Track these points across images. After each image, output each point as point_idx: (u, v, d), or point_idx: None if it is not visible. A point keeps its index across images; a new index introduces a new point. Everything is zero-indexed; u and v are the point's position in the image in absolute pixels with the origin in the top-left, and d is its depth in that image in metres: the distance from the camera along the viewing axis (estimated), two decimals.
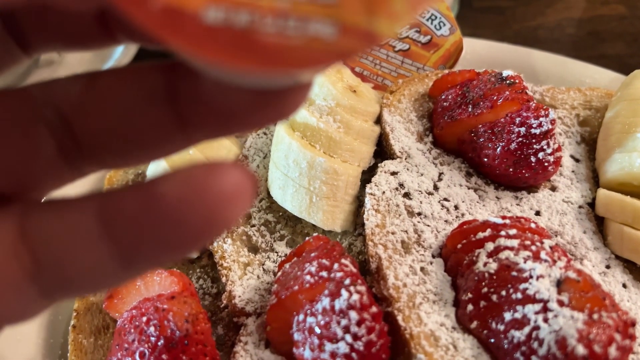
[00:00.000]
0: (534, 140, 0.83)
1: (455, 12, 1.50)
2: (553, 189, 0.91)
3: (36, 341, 0.84)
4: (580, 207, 0.89)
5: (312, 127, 0.87)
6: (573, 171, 0.94)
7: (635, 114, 0.91)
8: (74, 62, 1.37)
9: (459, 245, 0.76)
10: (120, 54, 1.31)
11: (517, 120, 0.83)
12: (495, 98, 0.85)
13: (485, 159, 0.88)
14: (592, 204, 0.90)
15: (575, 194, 0.90)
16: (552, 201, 0.89)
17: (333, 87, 0.91)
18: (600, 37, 1.48)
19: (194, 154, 0.90)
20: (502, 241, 0.72)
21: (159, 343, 0.68)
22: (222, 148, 0.94)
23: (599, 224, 0.88)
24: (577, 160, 0.96)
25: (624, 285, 0.81)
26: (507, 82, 0.86)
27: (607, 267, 0.83)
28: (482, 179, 0.91)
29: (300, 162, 0.84)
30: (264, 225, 0.89)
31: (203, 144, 0.89)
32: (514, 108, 0.84)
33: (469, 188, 0.89)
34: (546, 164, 0.85)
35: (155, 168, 0.90)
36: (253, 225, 0.88)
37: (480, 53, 1.21)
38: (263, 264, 0.84)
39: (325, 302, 0.66)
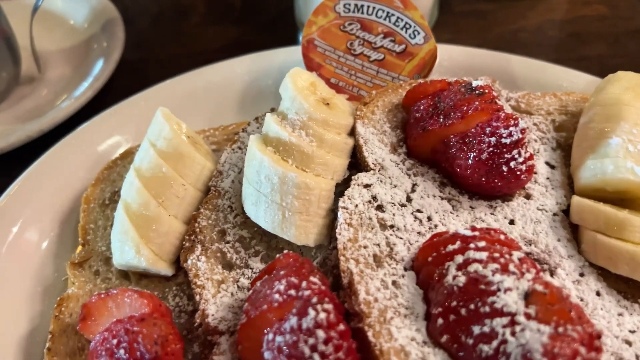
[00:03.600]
0: (504, 150, 0.83)
1: (436, 18, 1.50)
2: (528, 197, 0.91)
3: None
4: (555, 214, 0.89)
5: (284, 142, 0.87)
6: (548, 178, 0.94)
7: (608, 119, 0.91)
8: (54, 79, 1.37)
9: (430, 258, 0.76)
10: (98, 71, 1.31)
11: (488, 130, 0.83)
12: (465, 108, 0.85)
13: (458, 169, 0.88)
14: (567, 211, 0.89)
15: (550, 202, 0.90)
16: (527, 209, 0.88)
17: (305, 101, 0.91)
18: (581, 39, 1.48)
19: (167, 171, 0.90)
20: (471, 254, 0.72)
21: None
22: (196, 164, 0.94)
23: (574, 231, 0.88)
24: (552, 167, 0.96)
25: (598, 293, 0.81)
26: (477, 92, 0.85)
27: (581, 275, 0.83)
28: (457, 189, 0.91)
29: (272, 177, 0.84)
30: (239, 242, 0.89)
31: (176, 158, 0.89)
32: (484, 118, 0.84)
33: (442, 198, 0.89)
34: (518, 172, 0.85)
35: (129, 186, 0.90)
36: (228, 242, 0.88)
37: (458, 60, 1.21)
38: (237, 281, 0.84)
39: (292, 321, 0.66)
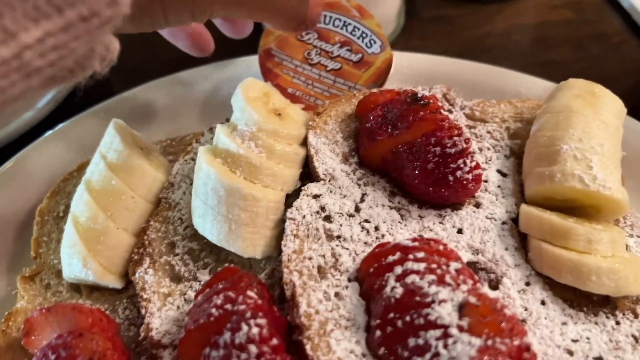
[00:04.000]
0: (449, 160, 0.83)
1: (402, 24, 1.50)
2: (477, 205, 0.91)
3: None
4: (503, 223, 0.89)
5: (232, 154, 0.87)
6: (499, 186, 0.94)
7: (557, 127, 0.91)
8: None
9: (372, 269, 0.76)
10: None
11: (432, 140, 0.84)
12: (411, 119, 0.85)
13: (406, 179, 0.88)
14: (517, 220, 0.90)
15: (500, 210, 0.90)
16: (475, 218, 0.89)
17: (255, 112, 0.91)
18: (546, 44, 1.48)
19: (116, 183, 0.90)
20: (410, 264, 0.72)
21: None
22: (147, 176, 0.93)
23: (523, 240, 0.88)
24: (504, 175, 0.96)
25: (543, 302, 0.81)
26: (422, 102, 0.86)
27: (527, 284, 0.83)
28: (407, 198, 0.91)
29: (218, 190, 0.84)
30: (188, 254, 0.89)
31: (126, 171, 0.89)
32: (429, 128, 0.84)
33: (391, 208, 0.89)
34: (465, 182, 0.85)
35: (78, 199, 0.90)
36: (177, 255, 0.88)
37: (418, 67, 1.21)
38: (184, 294, 0.84)
39: (226, 335, 0.66)
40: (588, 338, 0.77)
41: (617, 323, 0.80)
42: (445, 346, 0.64)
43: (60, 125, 1.14)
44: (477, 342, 0.62)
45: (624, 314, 0.81)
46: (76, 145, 1.12)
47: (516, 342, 0.62)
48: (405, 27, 1.52)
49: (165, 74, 1.25)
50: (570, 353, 0.75)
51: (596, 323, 0.80)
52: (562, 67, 1.36)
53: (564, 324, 0.79)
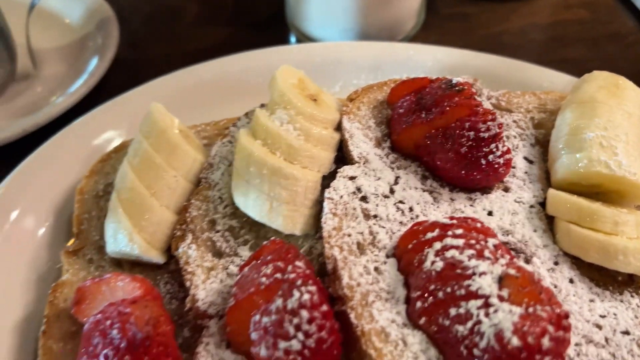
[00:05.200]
0: (483, 144, 0.87)
1: (422, 19, 1.54)
2: (506, 189, 0.95)
3: (7, 347, 0.87)
4: (531, 206, 0.93)
5: (272, 135, 0.91)
6: (526, 172, 0.98)
7: (582, 116, 0.95)
8: (49, 76, 1.40)
9: (410, 246, 0.80)
10: (93, 68, 1.34)
11: (467, 125, 0.87)
12: (445, 104, 0.89)
13: (439, 162, 0.92)
14: (543, 204, 0.93)
15: (527, 195, 0.94)
16: (504, 202, 0.92)
17: (293, 97, 0.95)
18: (562, 42, 1.52)
19: (159, 162, 0.93)
20: (449, 240, 0.76)
21: (122, 345, 0.71)
22: (188, 157, 0.97)
23: (550, 223, 0.92)
24: (530, 162, 1.00)
25: (571, 281, 0.85)
26: (457, 88, 0.89)
27: (556, 263, 0.86)
28: (438, 182, 0.95)
29: (261, 169, 0.87)
30: (228, 231, 0.92)
31: (168, 151, 0.92)
32: (464, 113, 0.88)
33: (424, 191, 0.93)
34: (496, 165, 0.89)
35: (122, 178, 0.93)
36: (217, 231, 0.91)
37: (442, 60, 1.25)
38: (227, 268, 0.87)
39: (278, 302, 0.70)
40: (615, 314, 0.81)
41: None
42: (487, 314, 0.67)
43: (96, 108, 1.17)
44: (518, 310, 0.66)
45: None
46: (112, 127, 1.15)
47: (556, 310, 0.66)
48: (425, 23, 1.56)
49: (189, 63, 1.28)
50: (599, 327, 0.79)
51: (621, 301, 0.84)
52: (576, 65, 1.40)
53: (592, 301, 0.83)
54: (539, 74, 1.21)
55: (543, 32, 1.56)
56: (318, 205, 0.92)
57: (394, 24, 1.46)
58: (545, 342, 0.64)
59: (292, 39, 1.55)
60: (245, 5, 1.69)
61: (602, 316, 0.81)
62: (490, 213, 0.91)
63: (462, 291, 0.70)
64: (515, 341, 0.63)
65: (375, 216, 0.87)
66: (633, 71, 1.44)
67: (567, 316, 0.67)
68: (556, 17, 1.60)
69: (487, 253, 0.73)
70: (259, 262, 0.77)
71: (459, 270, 0.72)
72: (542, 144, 1.03)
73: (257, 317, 0.72)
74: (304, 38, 1.49)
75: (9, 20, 1.33)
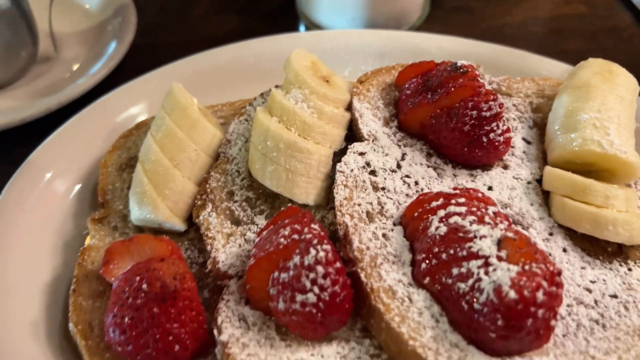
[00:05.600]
0: (484, 122, 0.94)
1: (427, 12, 1.61)
2: (505, 167, 1.01)
3: (39, 305, 0.93)
4: (528, 183, 0.99)
5: (288, 113, 0.97)
6: (524, 152, 1.05)
7: (578, 99, 1.02)
8: (70, 58, 1.46)
9: (416, 214, 0.86)
10: (112, 52, 1.40)
11: (470, 104, 0.94)
12: (450, 85, 0.96)
13: (443, 140, 0.98)
14: (540, 181, 1.00)
15: (525, 172, 1.01)
16: (504, 178, 0.99)
17: (307, 77, 1.01)
18: (561, 35, 1.59)
19: (181, 137, 0.99)
20: (452, 208, 0.82)
21: (151, 298, 0.77)
22: (207, 132, 1.03)
23: (545, 198, 0.98)
24: (528, 143, 1.07)
25: (564, 250, 0.91)
26: (461, 70, 0.96)
27: (550, 234, 0.93)
28: (442, 159, 1.01)
29: (278, 143, 0.94)
30: (246, 202, 0.98)
31: (189, 126, 0.99)
32: (467, 94, 0.94)
33: (428, 167, 0.99)
34: (497, 143, 0.95)
35: (147, 150, 0.99)
36: (235, 201, 0.98)
37: (446, 48, 1.31)
38: (244, 235, 0.93)
39: (296, 259, 0.76)
40: (604, 280, 0.88)
41: (629, 269, 0.90)
42: (487, 273, 0.74)
43: (117, 88, 1.23)
44: (515, 268, 0.72)
45: (635, 262, 0.91)
46: (132, 106, 1.21)
47: (550, 268, 0.73)
48: (430, 15, 1.62)
49: (201, 50, 1.34)
50: (589, 291, 0.86)
51: (611, 269, 0.90)
52: (575, 57, 1.45)
53: (583, 268, 0.89)
54: (538, 63, 1.27)
55: (543, 25, 1.63)
56: (329, 179, 0.99)
57: (399, 15, 1.52)
58: (540, 295, 0.70)
59: (302, 27, 1.61)
60: None
61: (592, 282, 0.87)
62: (490, 188, 0.98)
63: (464, 252, 0.77)
64: (512, 294, 0.70)
65: (383, 188, 0.94)
66: (629, 63, 1.49)
67: (559, 273, 0.73)
68: (556, 11, 1.67)
69: (487, 219, 0.80)
70: (277, 225, 0.84)
71: (461, 234, 0.79)
72: (540, 126, 1.10)
73: (276, 274, 0.78)
74: (313, 26, 1.55)
75: (32, 6, 1.39)
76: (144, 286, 0.78)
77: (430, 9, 1.62)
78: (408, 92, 1.03)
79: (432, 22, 1.62)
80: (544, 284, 0.71)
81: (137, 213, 0.97)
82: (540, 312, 0.70)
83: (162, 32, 1.62)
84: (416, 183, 0.96)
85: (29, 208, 1.04)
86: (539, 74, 1.25)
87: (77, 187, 1.10)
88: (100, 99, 1.20)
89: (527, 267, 0.72)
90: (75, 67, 1.43)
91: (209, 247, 0.91)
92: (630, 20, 1.62)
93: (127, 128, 1.16)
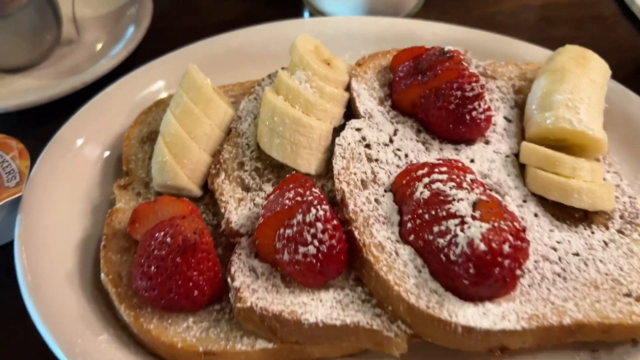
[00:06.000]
0: (467, 102, 1.05)
1: (424, 0, 1.71)
2: (487, 142, 1.13)
3: (72, 260, 1.06)
4: (507, 156, 1.11)
5: (293, 92, 1.09)
6: (505, 129, 1.16)
7: (553, 82, 1.13)
8: (91, 41, 1.58)
9: (404, 181, 0.98)
10: (130, 35, 1.52)
11: (455, 85, 1.05)
12: (438, 68, 1.07)
13: (431, 118, 1.10)
14: (517, 155, 1.12)
15: (504, 147, 1.13)
16: (485, 152, 1.11)
17: (311, 60, 1.12)
18: (550, 22, 1.69)
19: (197, 113, 1.11)
20: (435, 176, 0.94)
21: (174, 249, 0.90)
22: (221, 109, 1.15)
23: (522, 170, 1.10)
24: (509, 121, 1.18)
25: (536, 215, 1.03)
26: (447, 55, 1.07)
27: (524, 201, 1.05)
28: (430, 135, 1.13)
29: (284, 119, 1.06)
30: (254, 171, 1.11)
31: (205, 104, 1.10)
32: (452, 76, 1.06)
33: (418, 141, 1.11)
34: (478, 120, 1.07)
35: (167, 124, 1.12)
36: (245, 171, 1.10)
37: (440, 34, 1.42)
38: (253, 200, 1.06)
39: (299, 217, 0.88)
40: (569, 241, 1.00)
41: (592, 232, 1.02)
42: (462, 230, 0.86)
43: (136, 69, 1.34)
44: (486, 225, 0.85)
45: (597, 227, 1.03)
46: (151, 85, 1.33)
47: (516, 225, 0.85)
48: (426, 2, 1.72)
49: (214, 34, 1.45)
50: (555, 249, 0.98)
51: (576, 232, 1.02)
52: (562, 43, 1.55)
53: (552, 230, 1.01)
54: (524, 49, 1.38)
55: (533, 13, 1.73)
56: (329, 152, 1.10)
57: (398, 3, 1.63)
58: (506, 248, 0.82)
59: (306, 13, 1.72)
60: None
61: (559, 242, 0.99)
62: (472, 160, 1.09)
63: (444, 213, 0.89)
64: (482, 246, 0.82)
65: (376, 160, 1.06)
66: (612, 48, 1.61)
67: (524, 230, 0.85)
68: (546, 0, 1.77)
69: (465, 185, 0.92)
70: (282, 190, 0.96)
71: (441, 198, 0.91)
72: (520, 106, 1.21)
73: (281, 230, 0.91)
74: (316, 13, 1.66)
75: None
76: (168, 240, 0.91)
77: None
78: (401, 74, 1.14)
79: (428, 9, 1.72)
80: (510, 238, 0.83)
81: (159, 180, 1.09)
82: (507, 262, 0.83)
83: (176, 17, 1.74)
84: (406, 155, 1.08)
85: (61, 176, 1.16)
86: (523, 59, 1.36)
87: (104, 157, 1.22)
88: (122, 79, 1.32)
89: (496, 225, 0.84)
90: (97, 49, 1.55)
91: (222, 210, 1.03)
92: (614, 9, 1.72)
93: (147, 105, 1.28)
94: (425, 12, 1.71)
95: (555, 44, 1.47)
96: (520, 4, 1.76)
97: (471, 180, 0.94)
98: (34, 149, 1.19)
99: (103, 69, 1.42)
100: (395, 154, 1.07)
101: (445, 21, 1.51)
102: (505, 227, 0.84)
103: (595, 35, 1.65)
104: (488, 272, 0.82)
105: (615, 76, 1.27)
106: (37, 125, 1.40)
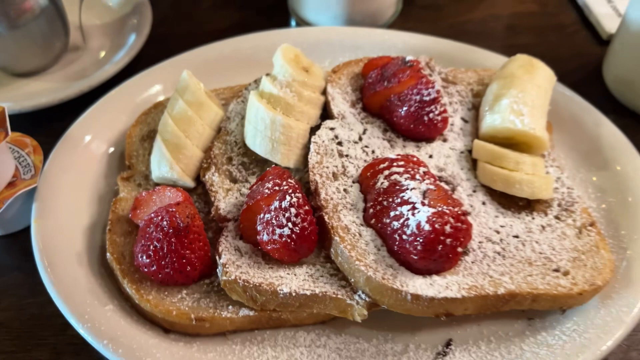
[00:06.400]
0: (425, 105, 1.21)
1: (400, 8, 1.87)
2: (444, 140, 1.29)
3: (82, 241, 1.21)
4: (462, 152, 1.27)
5: (274, 96, 1.25)
6: (461, 129, 1.32)
7: (503, 87, 1.29)
8: (96, 48, 1.74)
9: (369, 174, 1.14)
10: (132, 43, 1.67)
11: (414, 91, 1.21)
12: (401, 75, 1.23)
13: (395, 119, 1.26)
14: (471, 151, 1.27)
15: (460, 144, 1.29)
16: (442, 148, 1.27)
17: (291, 68, 1.28)
18: (514, 30, 1.85)
19: (191, 114, 1.27)
20: (394, 169, 1.10)
21: (170, 231, 1.05)
22: (212, 111, 1.31)
23: (474, 164, 1.26)
24: (466, 121, 1.34)
25: (484, 203, 1.19)
26: (409, 64, 1.23)
27: (474, 191, 1.21)
28: (395, 134, 1.29)
29: (266, 119, 1.21)
30: (241, 165, 1.26)
31: (197, 106, 1.26)
32: (412, 82, 1.22)
33: (384, 140, 1.27)
34: (435, 121, 1.23)
35: (164, 124, 1.27)
36: (233, 165, 1.26)
37: (410, 43, 1.57)
38: (240, 190, 1.22)
39: (276, 203, 1.04)
40: (511, 225, 1.16)
41: (533, 218, 1.18)
42: (413, 214, 1.01)
43: (137, 74, 1.50)
44: (432, 210, 1.00)
45: (537, 213, 1.19)
46: (151, 89, 1.48)
47: (458, 210, 1.01)
48: (402, 12, 1.88)
49: (209, 40, 1.61)
50: (498, 232, 1.14)
51: (518, 218, 1.18)
52: (524, 49, 1.69)
53: (497, 216, 1.17)
54: (485, 56, 1.53)
55: (500, 22, 1.89)
56: (306, 149, 1.26)
57: (376, 12, 1.79)
58: (447, 228, 0.98)
59: (293, 22, 1.88)
60: None
61: (502, 226, 1.15)
62: (430, 156, 1.25)
63: (399, 200, 1.05)
64: (427, 227, 0.97)
65: (347, 155, 1.22)
66: (571, 55, 1.78)
67: (465, 214, 1.01)
68: (512, 9, 1.93)
69: (417, 176, 1.08)
70: (263, 180, 1.12)
71: (397, 187, 1.07)
72: (477, 108, 1.37)
73: (262, 215, 1.06)
74: (302, 22, 1.82)
75: (64, 2, 1.65)
76: (164, 223, 1.06)
77: (403, 6, 1.88)
78: (370, 80, 1.30)
79: (404, 19, 1.88)
80: (451, 220, 0.99)
81: (157, 172, 1.25)
82: (448, 240, 0.98)
83: (173, 24, 1.89)
84: (373, 152, 1.24)
85: (71, 169, 1.31)
86: (484, 66, 1.51)
87: (109, 152, 1.38)
88: (124, 83, 1.48)
89: (440, 209, 1.00)
90: (101, 55, 1.70)
91: (212, 199, 1.19)
92: (574, 18, 1.88)
93: (147, 107, 1.44)
94: (401, 21, 1.86)
95: (520, 50, 1.62)
96: (489, 13, 1.92)
97: (424, 172, 1.10)
98: (47, 145, 1.34)
99: (107, 73, 1.58)
100: (364, 151, 1.23)
101: (420, 29, 1.66)
102: (447, 211, 1.00)
103: (555, 42, 1.81)
104: (432, 248, 0.98)
105: (574, 80, 1.44)
106: (49, 124, 1.55)
